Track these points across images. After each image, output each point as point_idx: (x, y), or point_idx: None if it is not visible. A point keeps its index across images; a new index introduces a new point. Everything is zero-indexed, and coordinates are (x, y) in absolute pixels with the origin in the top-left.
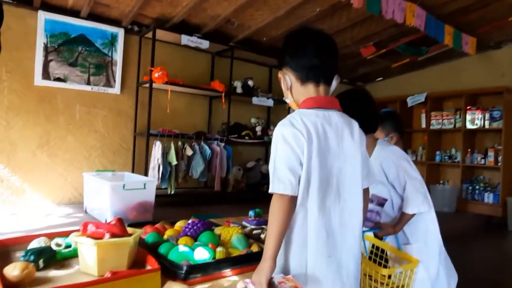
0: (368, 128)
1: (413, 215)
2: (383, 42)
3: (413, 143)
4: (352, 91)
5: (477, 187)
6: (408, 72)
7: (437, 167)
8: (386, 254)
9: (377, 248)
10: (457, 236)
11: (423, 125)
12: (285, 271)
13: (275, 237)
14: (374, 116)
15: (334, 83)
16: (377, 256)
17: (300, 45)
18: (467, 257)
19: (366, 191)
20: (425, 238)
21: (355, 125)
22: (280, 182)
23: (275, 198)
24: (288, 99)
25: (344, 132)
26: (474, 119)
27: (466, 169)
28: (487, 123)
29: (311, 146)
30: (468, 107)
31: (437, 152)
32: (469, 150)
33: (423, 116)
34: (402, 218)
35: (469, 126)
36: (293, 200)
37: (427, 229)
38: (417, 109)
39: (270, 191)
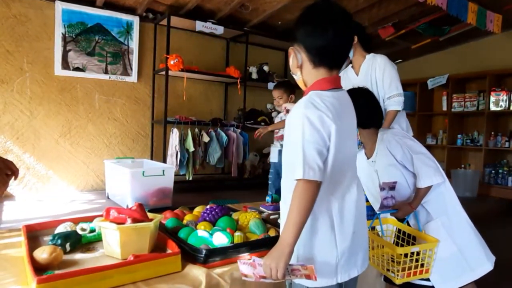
0: (370, 123)
1: (427, 189)
2: (403, 22)
3: (433, 126)
4: (355, 89)
5: (500, 171)
6: (429, 54)
7: (458, 151)
8: (414, 239)
9: (404, 233)
10: (481, 220)
11: (444, 108)
12: (308, 260)
13: (300, 224)
14: (377, 112)
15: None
16: (404, 241)
17: (319, 24)
18: (492, 241)
19: None
20: (445, 210)
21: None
22: (310, 168)
23: (302, 184)
24: (297, 76)
25: (352, 110)
26: (499, 101)
27: (489, 153)
28: None
29: (335, 128)
30: (492, 89)
31: (459, 136)
32: (492, 133)
33: (444, 98)
34: (417, 194)
35: (493, 108)
36: (320, 186)
37: (445, 200)
38: (438, 91)
39: (297, 177)
